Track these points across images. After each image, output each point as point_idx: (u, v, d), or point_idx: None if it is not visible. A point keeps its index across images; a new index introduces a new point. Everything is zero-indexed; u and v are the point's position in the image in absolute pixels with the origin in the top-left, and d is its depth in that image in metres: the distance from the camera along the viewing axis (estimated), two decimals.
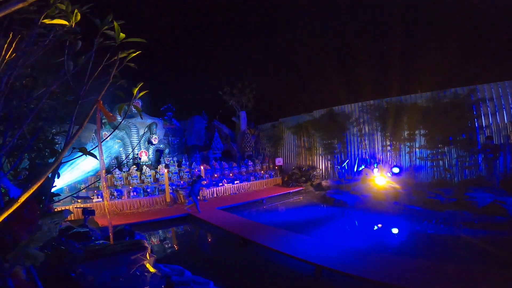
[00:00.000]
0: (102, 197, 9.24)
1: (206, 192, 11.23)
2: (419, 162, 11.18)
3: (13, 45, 1.79)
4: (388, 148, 12.15)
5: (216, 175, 13.04)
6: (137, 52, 1.84)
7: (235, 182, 13.11)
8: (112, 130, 12.38)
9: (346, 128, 13.62)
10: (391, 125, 11.79)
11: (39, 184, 1.53)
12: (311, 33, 23.28)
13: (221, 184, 12.52)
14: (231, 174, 13.64)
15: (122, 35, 1.74)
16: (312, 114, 15.23)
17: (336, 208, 9.82)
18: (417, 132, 11.21)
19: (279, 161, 15.85)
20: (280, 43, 25.74)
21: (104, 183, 2.56)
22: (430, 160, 10.82)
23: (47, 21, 1.68)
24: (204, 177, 10.08)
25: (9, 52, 1.77)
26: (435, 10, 16.67)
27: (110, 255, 2.26)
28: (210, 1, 24.74)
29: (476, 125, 9.91)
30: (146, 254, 2.39)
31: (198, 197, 9.69)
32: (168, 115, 16.03)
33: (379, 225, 7.68)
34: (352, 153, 13.57)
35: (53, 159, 1.70)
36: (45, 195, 1.69)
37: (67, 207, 8.17)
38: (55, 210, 3.58)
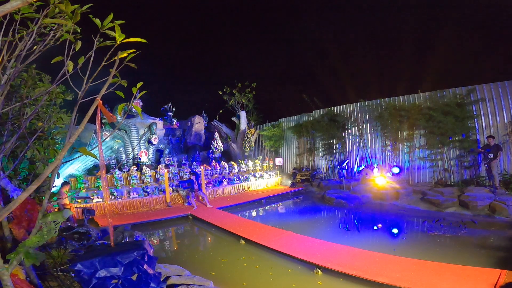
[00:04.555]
0: (102, 197, 9.24)
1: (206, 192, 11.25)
2: (419, 162, 11.18)
3: (13, 44, 1.79)
4: (388, 148, 12.16)
5: (216, 175, 13.04)
6: (137, 52, 1.84)
7: (235, 182, 13.11)
8: (112, 130, 12.39)
9: (346, 128, 13.63)
10: (391, 125, 11.80)
11: (39, 184, 1.53)
12: (311, 33, 23.30)
13: (221, 184, 12.52)
14: (231, 174, 13.64)
15: (122, 35, 1.74)
16: (312, 114, 15.24)
17: (336, 208, 9.82)
18: (416, 132, 11.22)
19: (279, 161, 15.85)
20: (280, 43, 25.76)
21: (104, 183, 2.56)
22: (430, 160, 10.82)
23: (47, 20, 1.68)
24: (197, 173, 10.38)
25: (9, 52, 1.77)
26: (435, 10, 16.68)
27: (110, 255, 2.25)
28: (210, 1, 24.74)
29: (476, 125, 9.92)
30: (146, 254, 2.39)
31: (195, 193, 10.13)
32: (168, 115, 16.02)
33: (379, 225, 7.68)
34: (352, 153, 13.57)
35: (53, 159, 1.69)
36: (45, 195, 1.69)
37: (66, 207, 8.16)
38: (55, 210, 3.58)
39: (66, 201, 7.61)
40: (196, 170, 11.23)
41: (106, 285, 2.16)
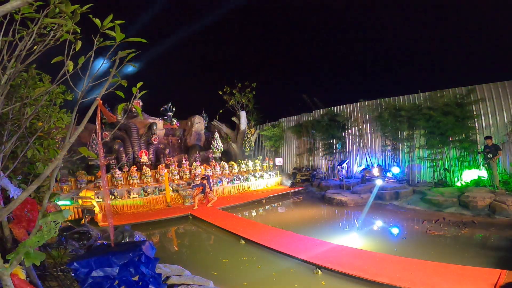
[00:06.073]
0: (102, 197, 9.23)
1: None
2: (419, 162, 11.18)
3: (13, 44, 1.79)
4: (388, 148, 12.15)
5: (216, 175, 13.03)
6: (137, 52, 1.84)
7: (235, 182, 13.10)
8: (112, 130, 12.39)
9: (346, 128, 13.62)
10: (391, 125, 11.79)
11: (39, 184, 1.53)
12: (311, 33, 23.30)
13: (221, 184, 12.51)
14: (231, 174, 13.63)
15: (122, 35, 1.74)
16: (312, 114, 15.23)
17: (336, 208, 9.83)
18: (416, 132, 11.21)
19: (279, 161, 15.84)
20: (280, 42, 25.76)
21: (104, 183, 2.56)
22: (430, 160, 10.82)
23: (47, 20, 1.68)
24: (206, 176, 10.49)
25: (9, 52, 1.77)
26: (435, 10, 16.68)
27: (106, 255, 2.25)
28: (210, 1, 24.75)
29: (476, 125, 9.91)
30: (144, 255, 2.39)
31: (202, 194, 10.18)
32: (168, 115, 15.99)
33: (379, 225, 7.68)
34: (352, 153, 13.57)
35: (53, 159, 1.69)
36: (45, 195, 1.69)
37: (67, 207, 8.16)
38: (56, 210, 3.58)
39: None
40: (210, 174, 11.45)
41: (102, 284, 2.16)
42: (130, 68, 1.99)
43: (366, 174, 11.50)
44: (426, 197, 8.88)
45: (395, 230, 7.29)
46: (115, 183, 10.44)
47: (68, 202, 7.93)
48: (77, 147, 2.00)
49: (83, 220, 7.46)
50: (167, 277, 3.86)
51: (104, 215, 8.68)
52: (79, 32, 1.92)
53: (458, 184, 9.73)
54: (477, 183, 9.10)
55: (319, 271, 4.67)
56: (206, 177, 10.32)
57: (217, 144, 15.41)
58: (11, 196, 2.12)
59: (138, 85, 2.01)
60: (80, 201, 7.76)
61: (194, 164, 12.90)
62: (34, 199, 2.35)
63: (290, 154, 16.74)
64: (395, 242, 6.51)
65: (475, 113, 9.87)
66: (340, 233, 7.02)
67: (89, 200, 7.78)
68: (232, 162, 14.34)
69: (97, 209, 7.89)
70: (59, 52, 1.85)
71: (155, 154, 13.76)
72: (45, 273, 2.97)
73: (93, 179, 10.32)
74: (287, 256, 5.28)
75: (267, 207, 10.95)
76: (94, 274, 2.15)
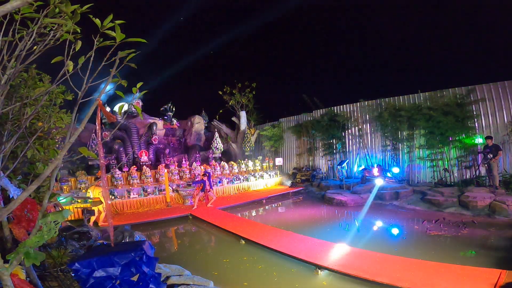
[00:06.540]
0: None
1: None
2: (419, 162, 11.18)
3: (13, 44, 1.79)
4: (388, 148, 12.15)
5: (216, 175, 13.03)
6: (137, 52, 1.84)
7: (235, 182, 13.10)
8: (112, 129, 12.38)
9: (346, 128, 13.62)
10: (391, 125, 11.79)
11: (39, 184, 1.53)
12: (311, 33, 23.30)
13: (221, 184, 12.51)
14: (231, 174, 13.63)
15: (122, 35, 1.74)
16: (312, 114, 15.23)
17: (336, 208, 9.82)
18: (416, 132, 11.21)
19: (279, 161, 15.84)
20: (280, 43, 25.75)
21: (104, 183, 2.57)
22: (430, 160, 10.82)
23: (47, 20, 1.68)
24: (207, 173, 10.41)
25: (9, 52, 1.77)
26: (435, 10, 16.68)
27: (108, 255, 2.25)
28: (210, 1, 24.72)
29: (476, 125, 9.91)
30: (145, 255, 2.39)
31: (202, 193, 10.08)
32: (168, 115, 15.99)
33: (379, 225, 7.68)
34: (352, 153, 13.57)
35: (53, 159, 1.69)
36: (45, 195, 1.69)
37: (67, 207, 8.16)
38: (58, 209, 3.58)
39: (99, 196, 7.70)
40: (210, 171, 11.33)
41: (104, 285, 2.16)
42: (135, 96, 1.98)
43: (366, 174, 11.50)
44: (426, 197, 8.89)
45: (395, 230, 7.29)
46: (115, 183, 10.43)
47: (64, 200, 7.91)
48: (77, 147, 2.00)
49: (86, 220, 7.45)
50: (167, 277, 3.85)
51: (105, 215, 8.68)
52: (79, 32, 1.92)
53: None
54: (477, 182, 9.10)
55: (319, 271, 4.67)
56: (207, 174, 10.22)
57: (217, 144, 15.41)
58: (11, 196, 2.12)
59: (138, 85, 2.01)
60: (90, 200, 7.75)
61: (194, 164, 12.90)
62: (34, 199, 2.35)
63: (290, 154, 16.74)
64: (395, 242, 6.50)
65: (475, 113, 9.88)
66: (340, 233, 7.01)
67: (96, 198, 7.78)
68: (232, 162, 14.34)
69: (101, 207, 7.88)
70: (59, 52, 1.84)
71: (155, 154, 13.76)
72: (45, 273, 2.97)
73: (93, 179, 10.32)
74: (288, 256, 5.28)
75: (267, 207, 10.94)
76: (96, 274, 2.15)
